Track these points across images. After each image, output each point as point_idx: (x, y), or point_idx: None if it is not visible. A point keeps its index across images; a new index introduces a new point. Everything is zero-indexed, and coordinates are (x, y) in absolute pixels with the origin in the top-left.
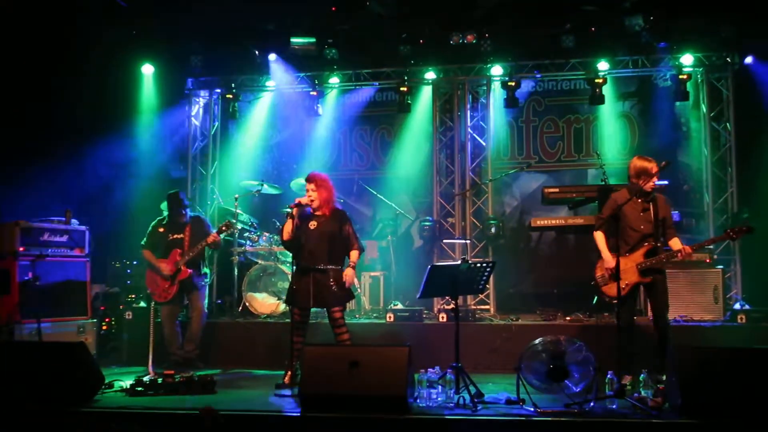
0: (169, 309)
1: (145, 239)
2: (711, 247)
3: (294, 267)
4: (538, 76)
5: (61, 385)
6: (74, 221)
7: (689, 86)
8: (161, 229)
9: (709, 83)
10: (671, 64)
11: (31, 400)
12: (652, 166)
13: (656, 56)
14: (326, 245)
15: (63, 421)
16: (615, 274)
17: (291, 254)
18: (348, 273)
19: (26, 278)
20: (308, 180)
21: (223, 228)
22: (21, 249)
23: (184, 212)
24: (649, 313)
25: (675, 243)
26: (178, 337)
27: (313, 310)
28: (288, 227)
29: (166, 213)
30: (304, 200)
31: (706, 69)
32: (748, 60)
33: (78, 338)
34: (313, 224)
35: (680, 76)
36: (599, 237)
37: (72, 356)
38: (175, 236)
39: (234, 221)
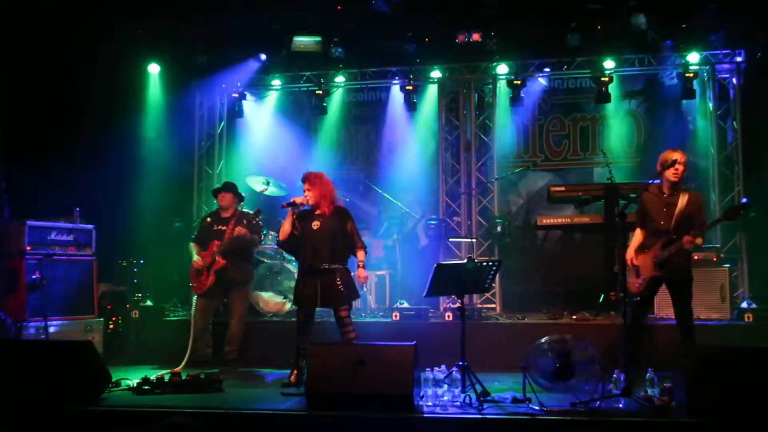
0: (205, 303)
1: (195, 233)
2: (718, 245)
3: (298, 267)
4: (544, 74)
5: (68, 384)
6: (81, 220)
7: (695, 84)
8: (208, 219)
9: (715, 81)
10: (677, 62)
11: (38, 398)
12: (676, 156)
13: (662, 54)
14: (330, 244)
15: (70, 419)
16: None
17: (289, 254)
18: (361, 274)
19: (33, 277)
20: (303, 180)
21: (254, 215)
22: (28, 248)
23: (230, 199)
24: (656, 311)
25: (686, 238)
26: (208, 333)
27: (318, 309)
28: (286, 227)
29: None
30: (299, 199)
31: (713, 67)
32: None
33: (85, 337)
34: (315, 224)
35: (686, 74)
36: (636, 235)
37: (79, 355)
38: (219, 227)
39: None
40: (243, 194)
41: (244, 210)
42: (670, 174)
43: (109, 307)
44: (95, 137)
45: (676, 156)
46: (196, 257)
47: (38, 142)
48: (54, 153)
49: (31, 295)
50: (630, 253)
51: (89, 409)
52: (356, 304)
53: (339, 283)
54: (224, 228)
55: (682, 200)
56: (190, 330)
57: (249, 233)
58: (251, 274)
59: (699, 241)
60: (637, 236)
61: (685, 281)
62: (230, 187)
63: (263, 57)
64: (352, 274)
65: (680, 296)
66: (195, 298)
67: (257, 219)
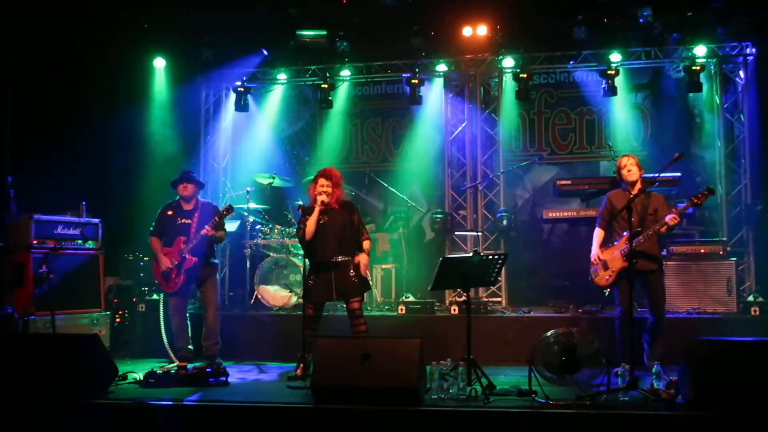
0: (178, 300)
1: (153, 225)
2: (725, 239)
3: (308, 262)
4: (551, 67)
5: (75, 377)
6: (87, 214)
7: (702, 77)
8: (170, 212)
9: (722, 74)
10: (684, 55)
11: (46, 391)
12: (621, 161)
13: (669, 47)
14: (339, 237)
15: (77, 412)
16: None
17: (304, 251)
18: (362, 258)
19: (40, 271)
20: (325, 176)
21: (224, 212)
22: (35, 242)
23: (189, 188)
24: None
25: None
26: (187, 331)
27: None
28: (311, 227)
29: (178, 197)
30: (325, 198)
31: (720, 60)
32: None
33: (91, 330)
34: (323, 218)
35: (693, 67)
36: (598, 234)
37: (86, 348)
38: (183, 221)
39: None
40: (203, 182)
41: (207, 201)
42: (625, 176)
43: (115, 300)
44: (101, 131)
45: (624, 161)
46: (163, 258)
47: (44, 137)
48: (60, 147)
49: (37, 289)
50: (595, 251)
51: (96, 402)
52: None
53: (352, 275)
54: (188, 221)
55: (649, 200)
56: (163, 330)
57: (217, 232)
58: (217, 265)
59: (676, 219)
60: (599, 235)
61: (655, 272)
62: (192, 177)
63: (265, 52)
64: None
65: (652, 285)
66: (163, 296)
67: (226, 215)
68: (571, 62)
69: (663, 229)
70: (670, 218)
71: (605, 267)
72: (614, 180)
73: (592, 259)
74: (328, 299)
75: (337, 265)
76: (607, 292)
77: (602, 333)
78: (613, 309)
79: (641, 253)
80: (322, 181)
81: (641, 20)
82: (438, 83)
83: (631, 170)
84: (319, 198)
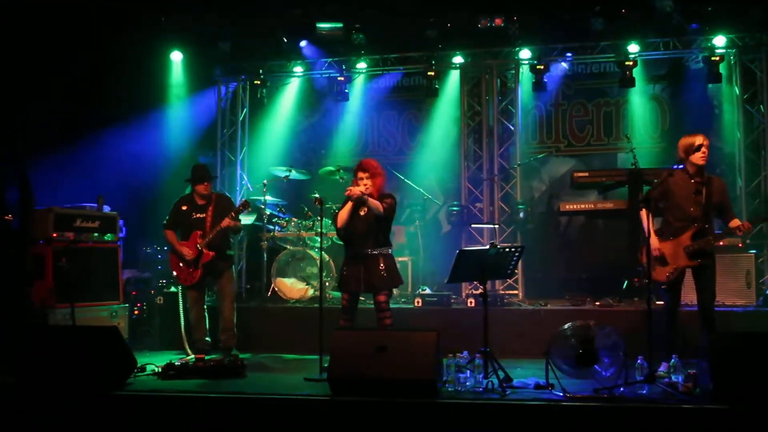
0: (195, 293)
1: (167, 218)
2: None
3: (345, 252)
4: (568, 59)
5: (94, 369)
6: (106, 207)
7: (722, 68)
8: (184, 207)
9: (742, 65)
10: (703, 46)
11: (65, 383)
12: (696, 139)
13: (688, 38)
14: (373, 229)
15: (96, 404)
16: (659, 258)
17: (342, 242)
18: (353, 189)
19: (59, 264)
20: (362, 169)
21: (241, 207)
22: (54, 235)
23: (208, 185)
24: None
25: (734, 223)
26: (204, 323)
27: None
28: (344, 216)
29: (188, 190)
30: (357, 191)
31: (739, 50)
32: None
33: (110, 323)
34: (363, 210)
35: (712, 58)
36: (648, 217)
37: (105, 340)
38: (198, 215)
39: (258, 203)
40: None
41: (219, 193)
42: (697, 158)
43: (134, 293)
44: (120, 124)
45: (700, 140)
46: (185, 250)
47: (63, 130)
48: (78, 141)
49: (57, 282)
50: (654, 241)
51: (115, 393)
52: None
53: (382, 268)
54: (203, 216)
55: (711, 187)
56: (182, 322)
57: (232, 225)
58: (233, 257)
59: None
60: (648, 220)
61: (711, 265)
62: (210, 175)
63: (303, 44)
64: (397, 259)
65: (705, 280)
66: (181, 288)
67: (243, 210)
68: (588, 53)
69: (739, 233)
70: (739, 226)
71: (664, 262)
72: (632, 172)
73: (654, 252)
74: (357, 290)
75: (369, 257)
76: (663, 287)
77: (619, 325)
78: (631, 301)
79: (706, 248)
80: (359, 174)
81: (659, 10)
82: (454, 75)
83: (705, 153)
84: (354, 190)
